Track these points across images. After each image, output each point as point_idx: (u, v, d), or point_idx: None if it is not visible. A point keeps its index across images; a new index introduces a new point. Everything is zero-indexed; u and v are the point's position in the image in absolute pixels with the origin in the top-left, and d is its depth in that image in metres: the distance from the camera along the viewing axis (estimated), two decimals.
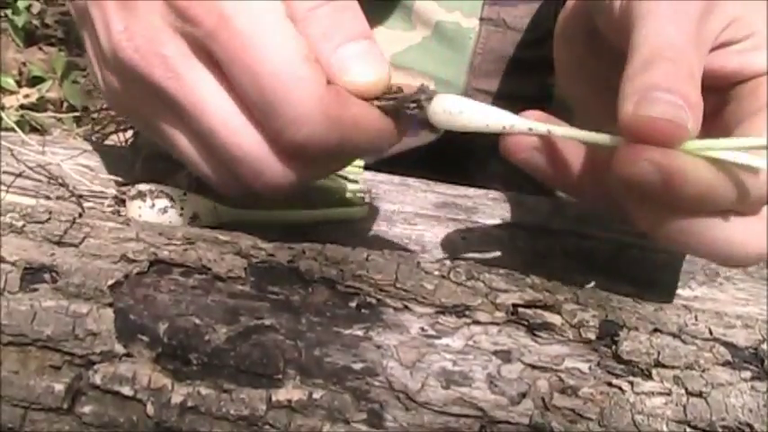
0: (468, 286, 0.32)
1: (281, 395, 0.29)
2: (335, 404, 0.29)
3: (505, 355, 0.30)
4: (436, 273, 0.32)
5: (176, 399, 0.29)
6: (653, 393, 0.30)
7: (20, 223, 0.32)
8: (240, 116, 0.33)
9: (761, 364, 0.31)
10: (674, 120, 0.29)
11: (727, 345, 0.31)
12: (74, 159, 0.43)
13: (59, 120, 1.62)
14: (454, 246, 0.43)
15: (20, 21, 1.82)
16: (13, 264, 0.30)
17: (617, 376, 0.30)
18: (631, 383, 0.30)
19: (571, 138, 0.32)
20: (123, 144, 0.45)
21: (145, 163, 0.43)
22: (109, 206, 0.40)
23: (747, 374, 0.30)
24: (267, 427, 0.29)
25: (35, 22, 1.89)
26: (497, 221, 0.45)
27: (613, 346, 0.31)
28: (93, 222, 0.33)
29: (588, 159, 0.35)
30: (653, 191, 0.30)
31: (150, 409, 0.29)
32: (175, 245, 0.32)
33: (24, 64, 1.76)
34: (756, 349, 0.31)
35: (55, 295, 0.30)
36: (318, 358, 0.30)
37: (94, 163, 0.44)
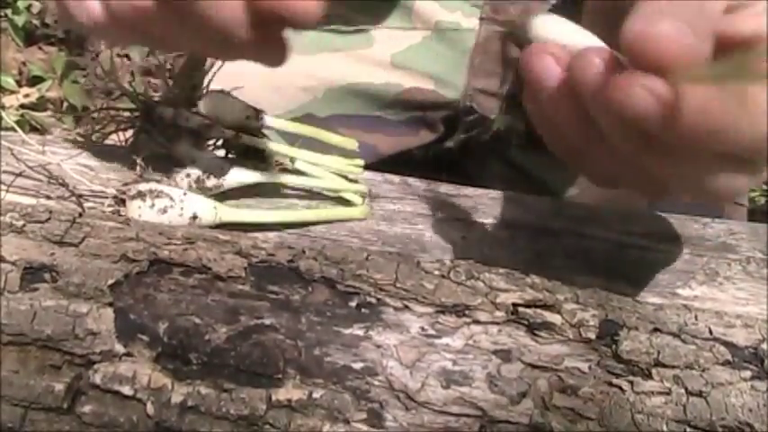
0: (468, 286, 0.32)
1: (281, 395, 0.29)
2: (335, 404, 0.29)
3: (505, 355, 0.30)
4: (436, 272, 0.32)
5: (176, 398, 0.29)
6: (653, 393, 0.30)
7: (20, 223, 0.32)
8: None
9: (761, 364, 0.31)
10: (680, 39, 0.28)
11: (726, 344, 0.31)
12: (74, 159, 0.43)
13: (59, 119, 1.62)
14: (454, 246, 0.43)
15: (20, 20, 1.82)
16: (14, 263, 0.30)
17: (617, 376, 0.30)
18: (631, 383, 0.30)
19: None
20: (123, 144, 0.45)
21: (145, 163, 0.43)
22: (109, 206, 0.40)
23: (747, 374, 0.30)
24: (267, 426, 0.29)
25: (35, 21, 1.89)
26: (497, 221, 0.45)
27: (613, 346, 0.31)
28: (93, 222, 0.33)
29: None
30: (649, 124, 0.28)
31: (150, 408, 0.29)
32: (175, 244, 0.32)
33: (24, 63, 1.76)
34: (756, 349, 0.31)
35: (55, 295, 0.30)
36: (318, 358, 0.30)
37: (94, 163, 0.44)
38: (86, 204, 0.41)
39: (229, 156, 0.45)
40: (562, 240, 0.44)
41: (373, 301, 0.31)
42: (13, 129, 0.42)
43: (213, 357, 0.29)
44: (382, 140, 0.67)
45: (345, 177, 0.46)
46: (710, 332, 0.31)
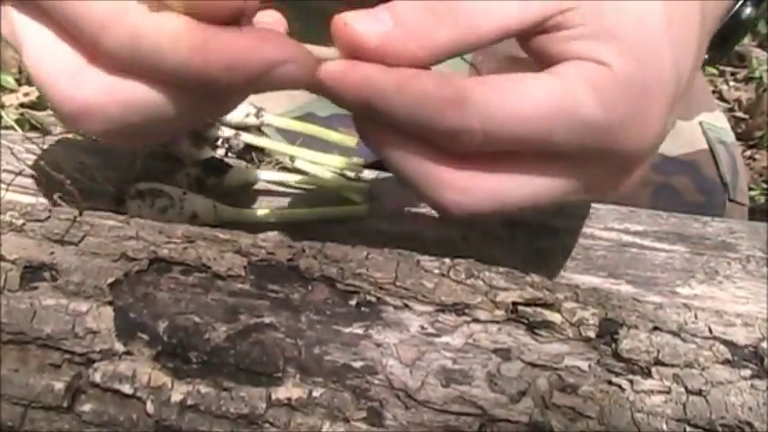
0: (468, 284, 0.32)
1: (280, 393, 0.29)
2: (335, 402, 0.29)
3: (505, 354, 0.30)
4: (436, 271, 0.32)
5: (176, 397, 0.29)
6: (653, 392, 0.30)
7: (19, 222, 0.32)
8: (43, 36, 0.32)
9: (760, 363, 0.31)
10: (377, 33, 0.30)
11: (726, 343, 0.31)
12: (73, 157, 0.43)
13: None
14: (454, 244, 0.43)
15: None
16: (13, 262, 0.30)
17: (617, 374, 0.30)
18: (631, 382, 0.30)
19: None
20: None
21: (145, 162, 0.43)
22: (108, 205, 0.40)
23: (747, 373, 0.30)
24: (267, 425, 0.29)
25: None
26: (497, 220, 0.45)
27: (613, 345, 0.31)
28: (92, 221, 0.33)
29: None
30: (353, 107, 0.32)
31: (150, 407, 0.29)
32: (175, 243, 0.32)
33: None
34: (756, 347, 0.31)
35: (55, 293, 0.30)
36: (318, 356, 0.30)
37: (94, 161, 0.44)
38: (86, 203, 0.41)
39: (229, 155, 0.45)
40: (562, 239, 0.44)
41: (373, 299, 0.31)
42: (12, 127, 0.42)
43: (213, 356, 0.29)
44: None
45: (345, 176, 0.46)
46: (710, 331, 0.31)
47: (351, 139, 0.47)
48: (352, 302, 0.31)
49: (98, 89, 0.30)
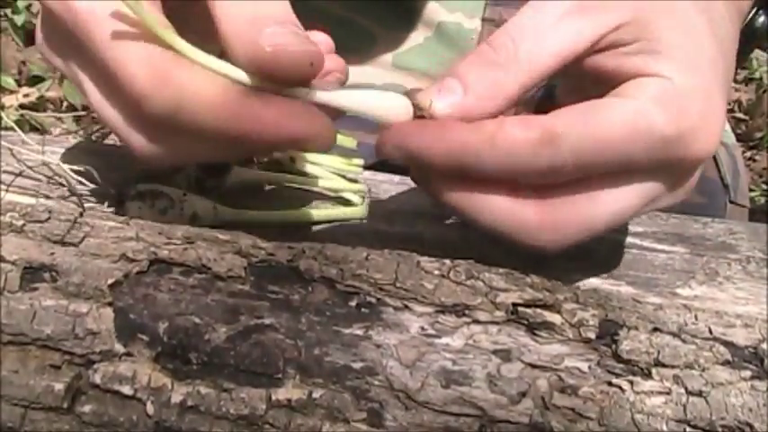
0: (468, 285, 0.32)
1: (280, 394, 0.29)
2: (335, 403, 0.29)
3: (505, 355, 0.30)
4: (436, 272, 0.32)
5: (176, 398, 0.29)
6: (653, 393, 0.30)
7: (20, 222, 0.32)
8: (98, 92, 0.35)
9: (761, 364, 0.31)
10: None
11: (726, 344, 0.31)
12: (73, 159, 0.43)
13: (59, 119, 1.62)
14: (454, 245, 0.43)
15: (19, 20, 1.82)
16: (13, 263, 0.30)
17: (617, 375, 0.30)
18: (631, 383, 0.30)
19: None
20: (123, 144, 0.45)
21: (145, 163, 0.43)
22: (109, 206, 0.40)
23: (747, 374, 0.30)
24: (267, 426, 0.29)
25: (35, 21, 1.89)
26: None
27: (613, 346, 0.31)
28: (92, 222, 0.33)
29: None
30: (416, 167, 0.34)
31: (150, 408, 0.29)
32: (175, 244, 0.32)
33: (24, 63, 1.76)
34: (756, 348, 0.31)
35: (55, 294, 0.30)
36: (318, 357, 0.30)
37: (94, 163, 0.44)
38: (86, 204, 0.41)
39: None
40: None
41: (373, 300, 0.31)
42: (12, 129, 0.42)
43: (213, 357, 0.29)
44: None
45: (345, 177, 0.46)
46: (710, 332, 0.31)
47: (350, 141, 0.47)
48: (352, 303, 0.31)
49: (146, 144, 0.34)
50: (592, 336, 0.31)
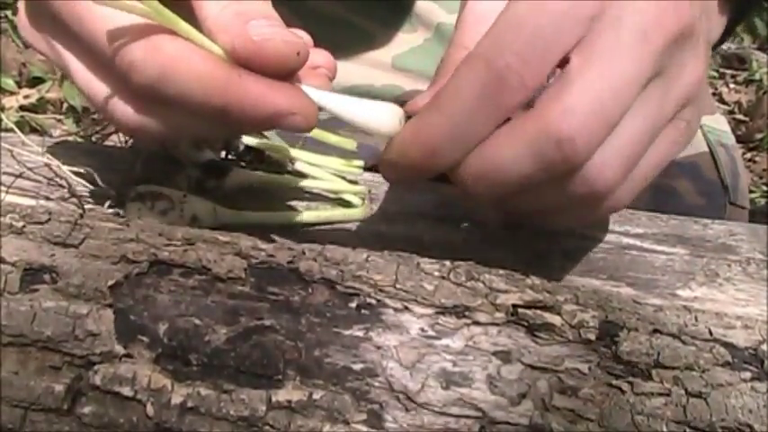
0: (468, 287, 0.32)
1: (280, 396, 0.29)
2: (335, 405, 0.29)
3: (505, 356, 0.30)
4: (436, 273, 0.32)
5: (176, 399, 0.29)
6: (653, 394, 0.30)
7: (20, 224, 0.32)
8: (85, 68, 0.36)
9: (761, 365, 0.31)
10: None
11: (726, 345, 0.31)
12: (74, 160, 0.43)
13: (59, 120, 1.62)
14: (454, 246, 0.43)
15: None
16: (14, 264, 0.30)
17: (617, 377, 0.30)
18: (631, 384, 0.30)
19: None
20: (123, 145, 0.45)
21: (145, 164, 0.43)
22: (109, 208, 0.40)
23: (747, 375, 0.30)
24: (267, 427, 0.29)
25: None
26: (497, 222, 0.45)
27: (613, 347, 0.31)
28: (93, 223, 0.33)
29: None
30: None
31: (150, 409, 0.29)
32: (175, 245, 0.32)
33: (24, 65, 1.76)
34: (756, 350, 0.31)
35: (55, 296, 0.30)
36: (318, 359, 0.30)
37: (94, 164, 0.44)
38: (86, 206, 0.41)
39: (229, 156, 0.45)
40: (562, 241, 0.44)
41: (373, 302, 0.31)
42: (12, 130, 0.42)
43: (213, 358, 0.29)
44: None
45: (345, 178, 0.46)
46: (710, 333, 0.31)
47: (350, 142, 0.47)
48: (353, 305, 0.31)
49: (133, 115, 0.34)
50: (592, 337, 0.31)
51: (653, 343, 0.31)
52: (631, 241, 0.44)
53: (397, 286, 0.31)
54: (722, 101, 1.91)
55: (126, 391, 0.29)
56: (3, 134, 0.44)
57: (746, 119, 1.86)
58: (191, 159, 0.43)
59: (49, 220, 0.32)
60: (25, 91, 1.69)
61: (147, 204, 0.38)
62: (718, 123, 0.73)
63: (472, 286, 0.32)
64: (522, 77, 0.32)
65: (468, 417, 0.29)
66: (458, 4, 0.64)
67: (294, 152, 0.45)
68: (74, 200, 0.41)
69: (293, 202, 0.45)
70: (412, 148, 0.33)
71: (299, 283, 0.31)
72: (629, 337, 0.31)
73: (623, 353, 0.30)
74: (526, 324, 0.31)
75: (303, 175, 0.45)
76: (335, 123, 0.65)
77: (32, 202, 0.41)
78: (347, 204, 0.45)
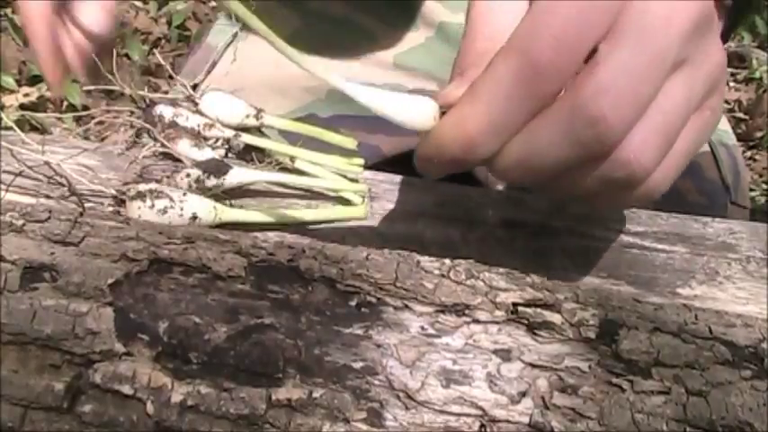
0: (468, 285, 0.32)
1: (280, 394, 0.29)
2: (335, 403, 0.29)
3: (505, 354, 0.30)
4: (436, 272, 0.32)
5: (176, 398, 0.29)
6: (653, 392, 0.30)
7: (20, 222, 0.32)
8: None
9: (761, 363, 0.31)
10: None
11: (727, 344, 0.31)
12: (74, 159, 0.43)
13: (59, 119, 1.62)
14: (454, 245, 0.43)
15: (20, 19, 1.82)
16: (13, 263, 0.30)
17: (617, 375, 0.30)
18: (631, 382, 0.30)
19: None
20: (123, 144, 0.45)
21: (145, 163, 0.43)
22: (109, 206, 0.40)
23: (747, 373, 0.30)
24: (267, 425, 0.29)
25: None
26: (497, 221, 0.45)
27: (613, 345, 0.31)
28: (92, 221, 0.33)
29: None
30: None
31: (150, 408, 0.29)
32: (175, 244, 0.32)
33: (24, 63, 1.76)
34: (756, 348, 0.31)
35: (55, 294, 0.30)
36: (318, 357, 0.30)
37: (94, 163, 0.44)
38: (86, 204, 0.41)
39: (229, 156, 0.45)
40: (562, 240, 0.44)
41: (373, 300, 0.31)
42: (12, 128, 0.42)
43: (213, 357, 0.29)
44: (384, 141, 0.67)
45: (345, 177, 0.46)
46: (710, 331, 0.31)
47: (351, 141, 0.47)
48: (353, 303, 0.31)
49: None
50: (592, 335, 0.31)
51: (653, 341, 0.31)
52: (632, 239, 0.44)
53: (397, 285, 0.31)
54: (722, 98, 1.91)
55: (126, 389, 0.29)
56: (3, 132, 0.44)
57: (747, 117, 1.86)
58: (191, 158, 0.43)
59: (49, 218, 0.32)
60: (25, 89, 1.69)
61: (147, 203, 0.38)
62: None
63: (472, 284, 0.32)
64: (557, 66, 0.32)
65: (468, 415, 0.29)
66: (460, 4, 0.64)
67: (294, 151, 0.45)
68: (74, 198, 0.41)
69: (293, 201, 0.45)
70: (451, 141, 0.34)
71: (299, 281, 0.31)
72: (630, 336, 0.31)
73: (623, 351, 0.30)
74: (526, 322, 0.31)
75: (303, 174, 0.45)
76: (337, 122, 0.66)
77: (32, 200, 0.41)
78: (347, 203, 0.45)
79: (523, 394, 0.30)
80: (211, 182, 0.42)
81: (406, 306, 0.31)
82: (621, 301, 0.32)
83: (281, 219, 0.43)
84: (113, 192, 0.40)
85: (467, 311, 0.31)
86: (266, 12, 0.67)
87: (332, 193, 0.45)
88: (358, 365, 0.30)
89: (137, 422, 0.29)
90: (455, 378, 0.30)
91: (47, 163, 0.41)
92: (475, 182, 0.54)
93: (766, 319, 0.33)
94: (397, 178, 0.47)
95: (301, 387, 0.29)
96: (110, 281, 0.30)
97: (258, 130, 0.46)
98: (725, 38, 0.39)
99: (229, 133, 0.44)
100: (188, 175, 0.41)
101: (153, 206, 0.38)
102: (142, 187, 0.39)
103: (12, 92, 1.68)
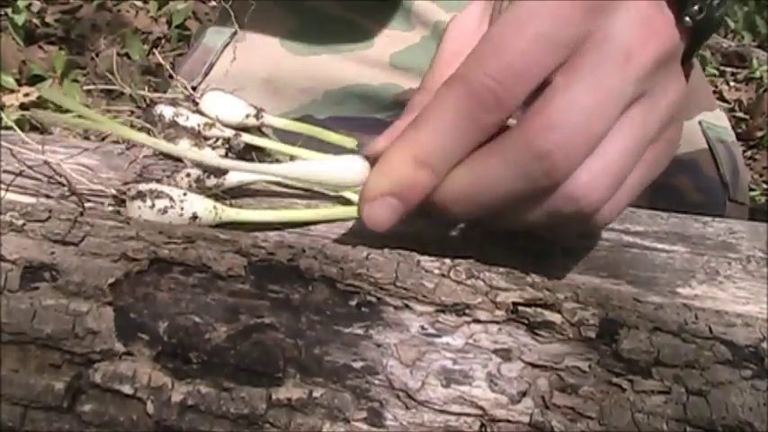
0: (469, 285, 0.32)
1: (281, 394, 0.29)
2: (335, 403, 0.29)
3: (505, 354, 0.30)
4: (436, 271, 0.32)
5: (176, 397, 0.29)
6: (653, 392, 0.30)
7: (20, 222, 0.32)
8: None
9: (761, 363, 0.31)
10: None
11: (727, 343, 0.31)
12: (74, 159, 0.43)
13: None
14: (454, 245, 0.43)
15: (20, 19, 1.83)
16: (14, 262, 0.30)
17: (617, 375, 0.30)
18: (631, 382, 0.30)
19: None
20: (123, 144, 0.45)
21: (145, 163, 0.43)
22: (109, 206, 0.40)
23: (747, 373, 0.30)
24: (267, 425, 0.29)
25: (35, 20, 1.89)
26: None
27: (613, 345, 0.31)
28: (93, 221, 0.33)
29: None
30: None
31: (150, 407, 0.29)
32: (175, 243, 0.32)
33: (24, 62, 1.76)
34: (756, 348, 0.31)
35: (55, 294, 0.30)
36: (318, 357, 0.30)
37: (94, 162, 0.44)
38: (86, 204, 0.41)
39: (229, 156, 0.45)
40: (562, 239, 0.44)
41: (373, 300, 0.31)
42: (12, 128, 0.42)
43: (213, 356, 0.29)
44: None
45: None
46: (711, 331, 0.31)
47: (350, 140, 0.47)
48: (353, 303, 0.31)
49: None
50: (592, 335, 0.31)
51: (653, 341, 0.31)
52: (632, 239, 0.44)
53: (398, 284, 0.31)
54: (722, 99, 1.91)
55: (126, 389, 0.29)
56: (3, 132, 0.44)
57: (747, 117, 1.86)
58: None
59: (50, 218, 0.32)
60: (25, 89, 1.69)
61: (148, 203, 0.38)
62: (717, 119, 0.72)
63: (472, 284, 0.32)
64: (499, 97, 0.32)
65: (468, 415, 0.29)
66: (455, 3, 0.64)
67: (294, 150, 0.45)
68: (74, 198, 0.41)
69: (293, 201, 0.45)
70: (398, 165, 0.34)
71: (299, 281, 0.31)
72: (630, 335, 0.31)
73: (623, 351, 0.30)
74: (526, 322, 0.31)
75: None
76: (333, 123, 0.66)
77: (32, 199, 0.41)
78: (347, 202, 0.45)
79: (523, 394, 0.30)
80: (211, 182, 0.42)
81: (406, 306, 0.31)
82: (621, 301, 0.32)
83: (280, 219, 0.43)
84: (113, 191, 0.40)
85: (467, 311, 0.31)
86: (263, 11, 0.67)
87: (331, 193, 0.45)
88: (358, 365, 0.30)
89: (137, 422, 0.29)
90: (455, 378, 0.30)
91: (47, 163, 0.41)
92: None
93: (766, 318, 0.33)
94: None
95: (301, 387, 0.29)
96: (110, 280, 0.30)
97: (258, 130, 0.46)
98: (687, 58, 0.38)
99: (229, 133, 0.44)
100: (188, 175, 0.41)
101: (153, 206, 0.38)
102: (142, 187, 0.39)
103: (12, 91, 1.68)
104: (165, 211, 0.38)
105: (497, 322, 0.31)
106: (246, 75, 0.63)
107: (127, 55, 1.80)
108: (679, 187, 0.66)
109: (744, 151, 1.76)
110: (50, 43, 1.86)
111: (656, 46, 0.34)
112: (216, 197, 0.41)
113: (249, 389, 0.29)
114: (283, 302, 0.31)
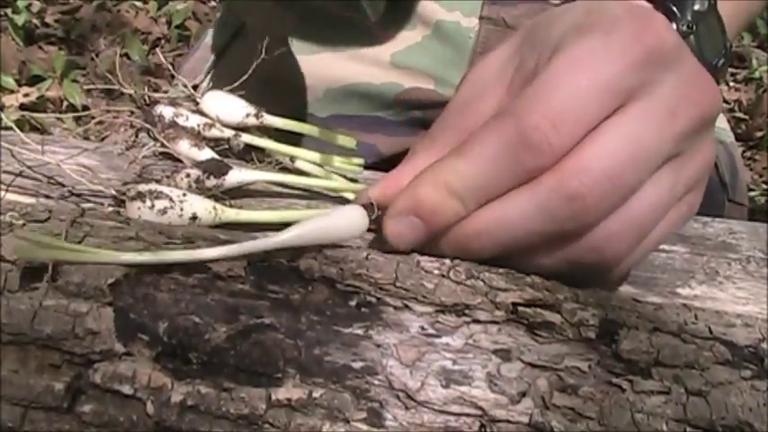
0: (468, 285, 0.32)
1: (280, 394, 0.29)
2: (335, 403, 0.29)
3: (505, 354, 0.30)
4: (436, 272, 0.32)
5: (176, 398, 0.29)
6: (653, 392, 0.30)
7: (20, 222, 0.32)
8: None
9: (761, 363, 0.31)
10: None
11: (726, 343, 0.31)
12: (73, 159, 0.43)
13: (59, 119, 1.62)
14: None
15: (20, 19, 1.83)
16: (13, 263, 0.30)
17: (617, 375, 0.30)
18: (631, 382, 0.30)
19: None
20: (123, 144, 0.45)
21: (145, 163, 0.43)
22: (109, 206, 0.40)
23: (747, 373, 0.30)
24: (267, 425, 0.29)
25: (35, 20, 1.89)
26: None
27: (613, 345, 0.31)
28: (92, 222, 0.33)
29: None
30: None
31: (150, 408, 0.29)
32: (175, 244, 0.32)
33: (24, 63, 1.76)
34: (756, 348, 0.31)
35: (55, 294, 0.30)
36: (318, 357, 0.30)
37: (94, 163, 0.44)
38: (86, 204, 0.41)
39: (229, 156, 0.45)
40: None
41: (373, 300, 0.31)
42: (12, 128, 0.42)
43: (213, 357, 0.29)
44: (382, 140, 0.67)
45: (345, 177, 0.46)
46: (710, 331, 0.31)
47: (350, 140, 0.47)
48: (352, 303, 0.31)
49: None
50: (592, 335, 0.31)
51: (653, 341, 0.31)
52: None
53: (397, 284, 0.31)
54: (722, 99, 1.91)
55: (126, 389, 0.29)
56: (3, 132, 0.44)
57: (746, 117, 1.86)
58: (191, 158, 0.43)
59: (49, 218, 0.32)
60: (25, 89, 1.69)
61: (147, 203, 0.38)
62: (717, 120, 0.72)
63: (472, 284, 0.32)
64: (550, 141, 0.31)
65: (468, 415, 0.29)
66: (457, 3, 0.64)
67: (294, 151, 0.45)
68: (73, 198, 0.41)
69: (293, 201, 0.45)
70: (429, 188, 0.33)
71: (299, 281, 0.31)
72: (629, 336, 0.31)
73: (623, 351, 0.30)
74: (526, 322, 0.31)
75: (303, 174, 0.45)
76: (334, 122, 0.66)
77: (32, 200, 0.41)
78: (347, 202, 0.45)
79: (523, 394, 0.30)
80: (211, 182, 0.42)
81: (406, 306, 0.31)
82: (621, 301, 0.32)
83: (281, 219, 0.43)
84: (113, 192, 0.40)
85: (467, 311, 0.31)
86: (263, 11, 0.67)
87: (332, 193, 0.45)
88: (358, 365, 0.30)
89: (137, 422, 0.29)
90: (455, 378, 0.30)
91: (46, 163, 0.41)
92: None
93: (766, 319, 0.33)
94: None
95: (301, 387, 0.29)
96: (110, 281, 0.30)
97: (258, 130, 0.46)
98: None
99: (229, 133, 0.44)
100: (188, 176, 0.41)
101: (153, 206, 0.38)
102: (142, 187, 0.39)
103: (12, 92, 1.68)
104: (164, 211, 0.38)
105: (497, 322, 0.31)
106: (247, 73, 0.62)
107: (127, 55, 1.80)
108: None
109: (743, 152, 1.75)
110: (50, 43, 1.86)
111: (700, 110, 0.34)
112: (216, 198, 0.41)
113: (249, 389, 0.29)
114: (283, 303, 0.31)
